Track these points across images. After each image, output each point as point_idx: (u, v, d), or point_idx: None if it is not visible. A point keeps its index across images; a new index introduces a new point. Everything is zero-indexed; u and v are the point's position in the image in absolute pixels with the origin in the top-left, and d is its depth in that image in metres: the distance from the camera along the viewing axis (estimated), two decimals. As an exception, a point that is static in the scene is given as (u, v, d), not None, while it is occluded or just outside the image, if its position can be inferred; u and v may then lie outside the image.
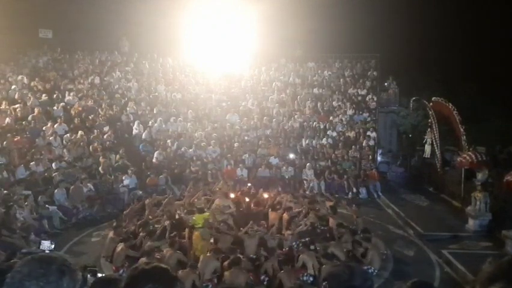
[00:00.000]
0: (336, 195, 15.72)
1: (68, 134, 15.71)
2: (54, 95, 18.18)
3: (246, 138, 18.50)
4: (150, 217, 10.76)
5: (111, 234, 9.54)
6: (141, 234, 9.50)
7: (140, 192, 14.18)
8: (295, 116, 20.10)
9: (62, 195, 12.43)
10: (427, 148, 17.70)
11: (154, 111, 18.98)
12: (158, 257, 8.14)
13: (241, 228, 9.89)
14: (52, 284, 1.68)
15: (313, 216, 10.76)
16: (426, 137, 17.82)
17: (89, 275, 3.30)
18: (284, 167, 16.67)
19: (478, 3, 25.44)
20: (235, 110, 20.18)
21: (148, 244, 8.72)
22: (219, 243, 9.22)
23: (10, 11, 18.94)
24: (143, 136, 17.33)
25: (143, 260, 7.58)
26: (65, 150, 14.85)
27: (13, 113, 15.86)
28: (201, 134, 18.01)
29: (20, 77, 18.61)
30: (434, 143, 16.97)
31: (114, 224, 10.21)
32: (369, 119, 20.13)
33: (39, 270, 1.69)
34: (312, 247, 8.95)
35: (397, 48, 25.07)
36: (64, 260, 1.80)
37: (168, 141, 17.07)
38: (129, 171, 14.58)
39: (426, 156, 18.00)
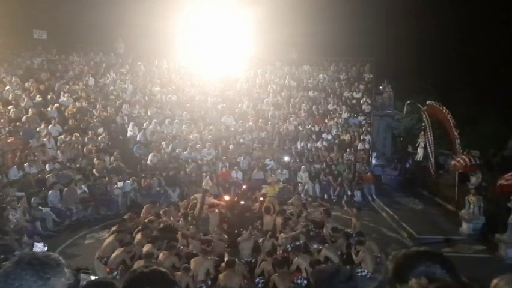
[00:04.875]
0: (334, 200, 15.82)
1: (62, 136, 15.64)
2: (49, 96, 18.10)
3: (241, 140, 18.50)
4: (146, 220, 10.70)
5: (111, 237, 9.47)
6: (138, 237, 9.44)
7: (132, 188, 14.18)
8: (291, 119, 20.13)
9: (55, 196, 12.36)
10: (420, 151, 17.81)
11: (149, 113, 18.93)
12: (154, 260, 8.10)
13: (236, 231, 9.89)
14: (14, 275, 1.70)
15: (306, 219, 10.81)
16: (419, 140, 17.93)
17: (84, 279, 3.28)
18: (279, 170, 16.68)
19: (474, 6, 25.62)
20: (230, 112, 20.18)
21: (147, 249, 8.64)
22: (213, 247, 9.23)
23: (4, 12, 18.87)
24: (138, 138, 17.27)
25: (140, 262, 7.56)
26: (59, 151, 14.77)
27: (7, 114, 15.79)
28: (196, 136, 17.97)
29: (14, 78, 18.51)
30: (428, 146, 17.06)
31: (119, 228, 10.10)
32: (364, 122, 20.19)
33: (8, 264, 1.72)
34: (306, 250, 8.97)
35: (392, 51, 25.24)
36: (41, 255, 1.80)
37: (163, 143, 17.01)
38: (131, 180, 14.41)
39: (418, 159, 18.09)
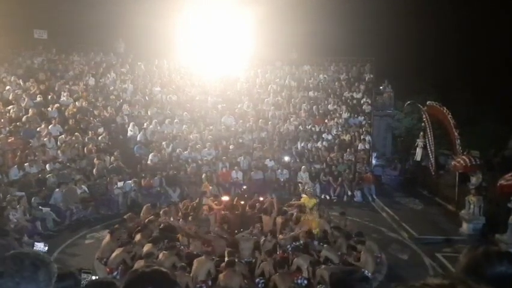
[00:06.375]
0: (334, 200, 15.82)
1: (62, 135, 15.64)
2: (49, 96, 18.10)
3: (240, 140, 18.50)
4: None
5: (108, 237, 9.49)
6: (138, 237, 9.44)
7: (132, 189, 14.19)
8: (291, 119, 20.13)
9: (60, 196, 12.39)
10: (419, 151, 17.81)
11: (149, 113, 18.94)
12: (154, 260, 8.10)
13: (236, 231, 9.90)
14: (27, 279, 1.73)
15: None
16: (418, 140, 17.94)
17: (85, 278, 3.28)
18: (279, 170, 16.69)
19: (474, 6, 25.61)
20: (230, 112, 20.18)
21: (147, 249, 8.64)
22: (214, 247, 9.25)
23: (5, 11, 18.85)
24: (138, 138, 17.27)
25: (141, 262, 7.56)
26: (59, 151, 14.78)
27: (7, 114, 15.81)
28: (196, 136, 17.98)
29: (14, 78, 18.51)
30: (428, 146, 17.05)
31: (115, 226, 10.11)
32: (364, 122, 20.19)
33: (13, 267, 1.74)
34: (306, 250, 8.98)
35: (392, 51, 25.20)
36: (37, 254, 1.87)
37: (163, 143, 17.02)
38: (133, 181, 14.41)
39: (417, 159, 18.09)
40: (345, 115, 20.62)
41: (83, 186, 13.32)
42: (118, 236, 9.58)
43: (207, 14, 21.87)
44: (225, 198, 12.39)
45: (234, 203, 11.89)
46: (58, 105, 17.52)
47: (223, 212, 11.45)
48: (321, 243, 9.77)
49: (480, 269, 1.74)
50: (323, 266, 8.07)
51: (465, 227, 12.22)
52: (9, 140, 14.10)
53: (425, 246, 11.05)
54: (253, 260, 8.91)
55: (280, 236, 9.85)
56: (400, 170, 18.97)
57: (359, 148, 18.22)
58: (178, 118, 18.97)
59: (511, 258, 1.77)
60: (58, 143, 15.29)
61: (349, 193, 16.22)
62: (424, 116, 17.66)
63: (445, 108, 16.13)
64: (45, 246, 4.43)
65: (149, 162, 16.04)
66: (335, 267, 8.08)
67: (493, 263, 1.75)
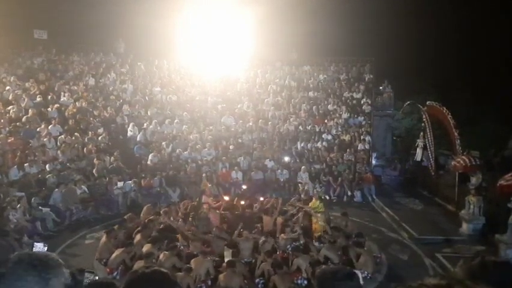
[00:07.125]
0: (334, 200, 15.82)
1: (62, 136, 15.64)
2: (49, 96, 18.09)
3: (240, 141, 18.49)
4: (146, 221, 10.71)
5: (104, 237, 9.50)
6: (138, 237, 9.44)
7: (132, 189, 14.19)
8: (291, 119, 20.13)
9: (59, 196, 12.39)
10: (419, 151, 17.81)
11: (149, 113, 18.93)
12: (154, 260, 8.10)
13: (236, 232, 9.91)
14: (28, 280, 1.71)
15: (306, 220, 10.83)
16: (418, 140, 17.94)
17: (88, 277, 3.28)
18: (279, 170, 16.68)
19: (474, 6, 25.62)
20: (230, 112, 20.18)
21: (147, 249, 8.64)
22: (213, 248, 9.25)
23: (4, 12, 18.85)
24: (138, 138, 17.27)
25: (140, 263, 7.56)
26: (59, 151, 14.77)
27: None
28: (196, 136, 17.98)
29: (14, 78, 18.50)
30: (428, 146, 17.05)
31: (115, 227, 10.12)
32: (364, 122, 20.18)
33: (14, 268, 1.72)
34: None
35: (392, 51, 25.21)
36: (43, 255, 1.82)
37: (163, 143, 17.02)
38: (133, 181, 14.41)
39: (416, 159, 18.09)
40: (345, 115, 20.62)
41: (83, 186, 13.32)
42: (114, 236, 9.58)
43: (207, 14, 21.88)
44: (226, 198, 12.42)
45: (234, 203, 11.89)
46: (58, 105, 17.52)
47: (222, 212, 11.47)
48: (321, 243, 9.77)
49: (478, 277, 1.74)
50: (323, 266, 8.05)
51: (465, 227, 12.21)
52: (9, 140, 14.10)
53: (425, 246, 11.05)
54: (253, 261, 8.91)
55: (283, 235, 9.85)
56: (400, 170, 18.96)
57: (358, 148, 18.22)
58: (178, 118, 18.96)
59: (508, 268, 1.77)
60: (58, 143, 15.28)
61: (349, 193, 16.21)
62: (424, 116, 17.66)
63: (445, 108, 16.13)
64: (44, 246, 4.43)
65: (149, 162, 16.04)
66: (327, 266, 8.08)
67: (489, 273, 1.75)
